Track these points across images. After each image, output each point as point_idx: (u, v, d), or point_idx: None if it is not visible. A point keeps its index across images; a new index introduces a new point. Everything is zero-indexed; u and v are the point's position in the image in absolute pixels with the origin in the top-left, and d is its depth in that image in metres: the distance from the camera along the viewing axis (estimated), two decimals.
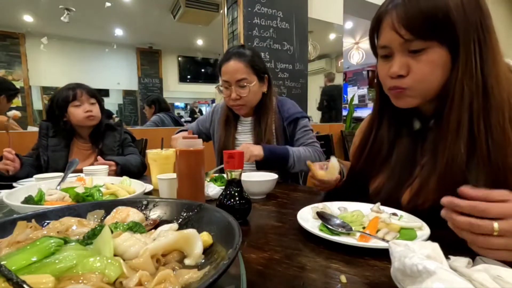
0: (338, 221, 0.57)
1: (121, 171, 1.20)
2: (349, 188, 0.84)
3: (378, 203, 0.65)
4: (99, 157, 1.22)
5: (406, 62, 0.60)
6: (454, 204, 0.41)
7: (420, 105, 0.67)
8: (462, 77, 0.57)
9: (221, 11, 2.67)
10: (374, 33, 0.66)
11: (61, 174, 0.96)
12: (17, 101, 4.43)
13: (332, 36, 3.19)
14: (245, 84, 1.18)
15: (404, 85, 0.62)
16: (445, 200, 0.42)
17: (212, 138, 1.43)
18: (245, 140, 1.30)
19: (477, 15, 0.56)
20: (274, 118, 1.27)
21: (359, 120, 5.14)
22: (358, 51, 6.29)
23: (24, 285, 0.24)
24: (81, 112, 1.33)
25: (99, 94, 1.45)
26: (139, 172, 1.34)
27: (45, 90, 4.87)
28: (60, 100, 1.33)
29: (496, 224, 0.39)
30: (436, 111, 0.65)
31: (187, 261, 0.37)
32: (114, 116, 4.90)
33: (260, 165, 1.16)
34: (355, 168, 0.81)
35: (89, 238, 0.39)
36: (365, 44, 6.28)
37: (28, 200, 0.72)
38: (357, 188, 0.81)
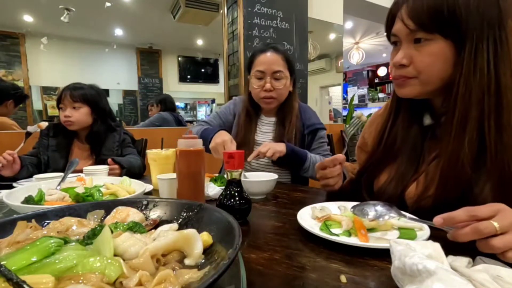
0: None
1: (125, 174, 1.19)
2: (356, 187, 0.83)
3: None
4: (109, 160, 1.21)
5: (409, 53, 0.63)
6: (449, 219, 0.43)
7: (431, 99, 0.68)
8: (468, 73, 0.57)
9: (221, 11, 2.67)
10: (389, 23, 0.68)
11: (61, 174, 0.96)
12: None
13: (332, 36, 3.20)
14: (281, 76, 1.18)
15: (407, 74, 0.64)
16: (437, 221, 0.43)
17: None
18: (264, 140, 1.28)
19: (494, 13, 0.55)
20: (296, 121, 1.27)
21: None
22: (358, 51, 6.29)
23: (24, 285, 0.24)
24: (62, 115, 1.34)
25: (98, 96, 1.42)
26: (139, 173, 1.34)
27: (45, 90, 4.86)
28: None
29: (495, 223, 0.39)
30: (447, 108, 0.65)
31: (187, 261, 0.37)
32: None
33: (279, 162, 1.15)
34: (365, 166, 0.80)
35: (89, 238, 0.39)
36: (365, 44, 6.27)
37: (28, 200, 0.72)
38: (363, 187, 0.80)
